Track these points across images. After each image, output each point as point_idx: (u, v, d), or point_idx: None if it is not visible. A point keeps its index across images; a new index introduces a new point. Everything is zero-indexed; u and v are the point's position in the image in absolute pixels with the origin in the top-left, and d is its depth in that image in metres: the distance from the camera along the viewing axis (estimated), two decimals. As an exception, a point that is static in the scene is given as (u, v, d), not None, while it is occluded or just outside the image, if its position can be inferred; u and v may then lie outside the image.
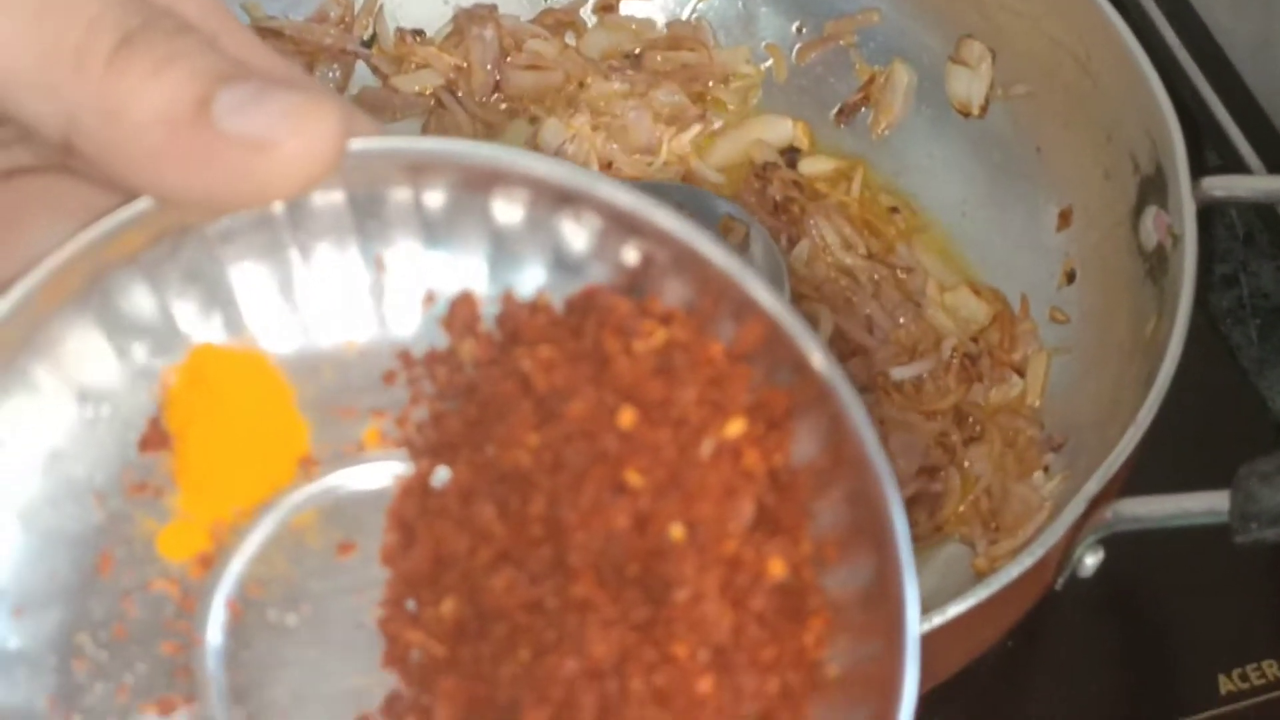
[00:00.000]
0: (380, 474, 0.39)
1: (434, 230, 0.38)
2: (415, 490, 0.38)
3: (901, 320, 0.73)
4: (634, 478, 0.35)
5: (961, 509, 0.69)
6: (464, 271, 0.39)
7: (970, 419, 0.71)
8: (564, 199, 0.37)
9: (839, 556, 0.36)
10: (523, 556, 0.36)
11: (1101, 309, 0.71)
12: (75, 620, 0.37)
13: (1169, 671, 0.68)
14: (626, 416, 0.35)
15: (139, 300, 0.38)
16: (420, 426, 0.39)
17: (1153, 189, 0.67)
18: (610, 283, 0.37)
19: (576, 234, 0.38)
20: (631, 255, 0.37)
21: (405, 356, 0.39)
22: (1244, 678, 0.66)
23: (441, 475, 0.38)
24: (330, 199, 0.38)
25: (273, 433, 0.39)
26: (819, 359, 0.35)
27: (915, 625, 0.34)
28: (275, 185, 0.33)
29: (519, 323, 0.38)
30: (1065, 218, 0.73)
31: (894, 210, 0.76)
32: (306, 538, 0.39)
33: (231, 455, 0.39)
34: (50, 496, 0.38)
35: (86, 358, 0.38)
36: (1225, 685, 0.66)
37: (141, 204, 0.35)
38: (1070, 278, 0.72)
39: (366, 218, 0.38)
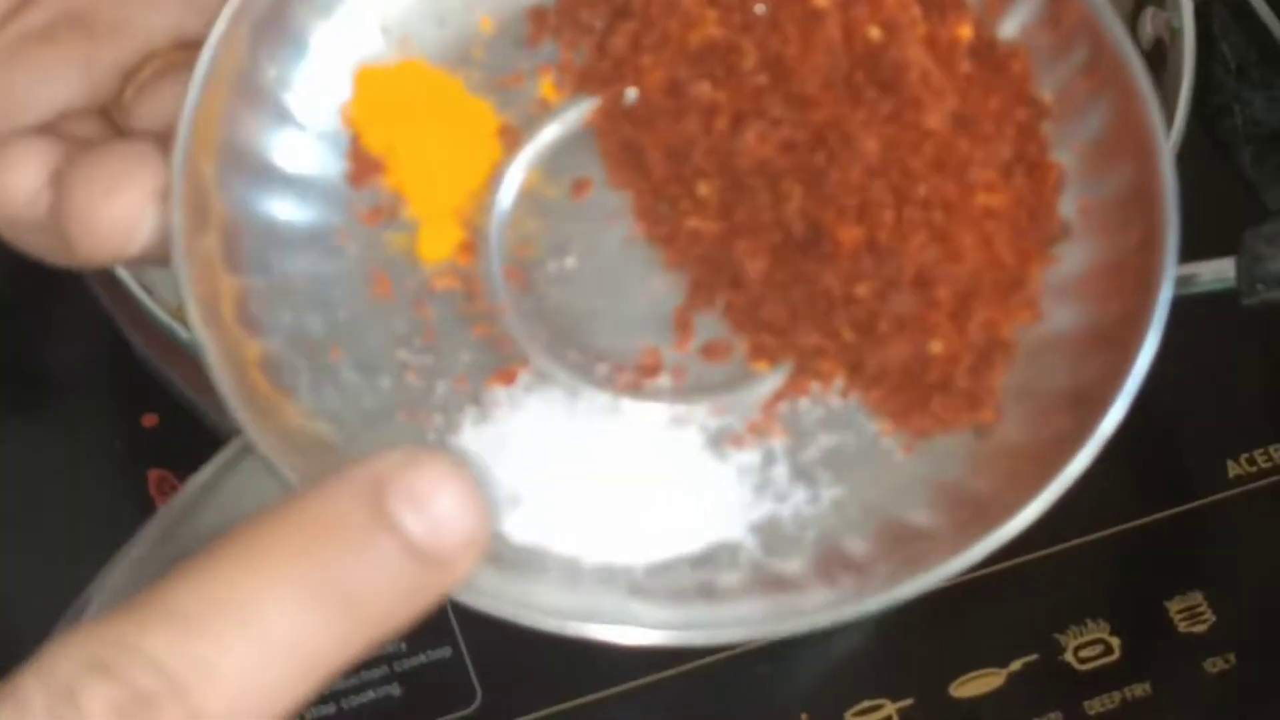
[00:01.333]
0: (575, 115, 0.41)
1: None
2: (615, 112, 0.40)
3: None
4: (820, 0, 0.38)
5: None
6: None
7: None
8: None
9: (1005, 5, 0.40)
10: (757, 109, 0.38)
11: (1103, 115, 0.72)
12: (385, 342, 0.39)
13: (1179, 458, 0.70)
14: None
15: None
16: (588, 62, 0.41)
17: (1147, -9, 0.69)
18: None
19: None
20: None
21: (537, 14, 0.41)
22: (1251, 462, 0.68)
23: (632, 93, 0.40)
24: None
25: (462, 119, 0.41)
26: None
27: (1106, 10, 0.38)
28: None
29: None
30: (1064, 30, 0.75)
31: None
32: (542, 193, 0.40)
33: (439, 152, 0.40)
34: (302, 246, 0.39)
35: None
36: (1234, 470, 0.68)
37: None
38: (1072, 88, 0.74)
39: None
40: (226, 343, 0.36)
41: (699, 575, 0.37)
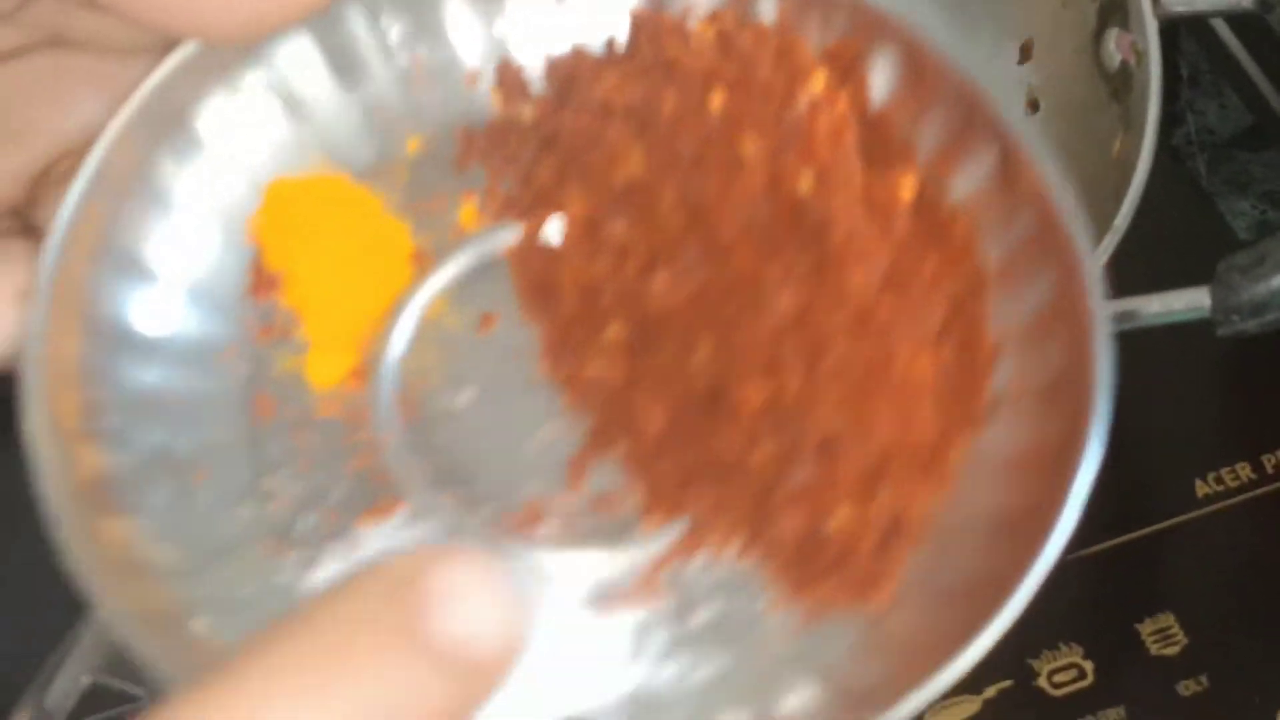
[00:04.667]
0: (492, 245, 0.39)
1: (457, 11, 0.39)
2: (533, 245, 0.38)
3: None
4: (749, 145, 0.35)
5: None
6: (497, 45, 0.39)
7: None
8: None
9: (956, 163, 0.36)
10: (671, 254, 0.36)
11: (1066, 136, 0.71)
12: (255, 468, 0.37)
13: (1148, 478, 0.69)
14: (717, 98, 0.36)
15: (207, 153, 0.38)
16: (512, 190, 0.39)
17: (1113, 11, 0.68)
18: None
19: None
20: None
21: (468, 137, 0.39)
22: (1219, 481, 0.68)
23: (552, 226, 0.38)
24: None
25: (374, 241, 0.39)
26: None
27: (1058, 181, 0.35)
28: None
29: (568, 70, 0.38)
30: (1026, 51, 0.74)
31: (856, 56, 0.77)
32: (446, 324, 0.38)
33: (343, 273, 0.39)
34: (185, 360, 0.37)
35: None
36: (1201, 489, 0.68)
37: (179, 57, 0.35)
38: (1034, 107, 0.74)
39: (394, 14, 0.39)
40: (64, 457, 0.34)
41: None
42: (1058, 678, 0.64)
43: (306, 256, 0.38)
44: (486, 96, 0.39)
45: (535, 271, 0.38)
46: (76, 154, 0.37)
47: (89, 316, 0.36)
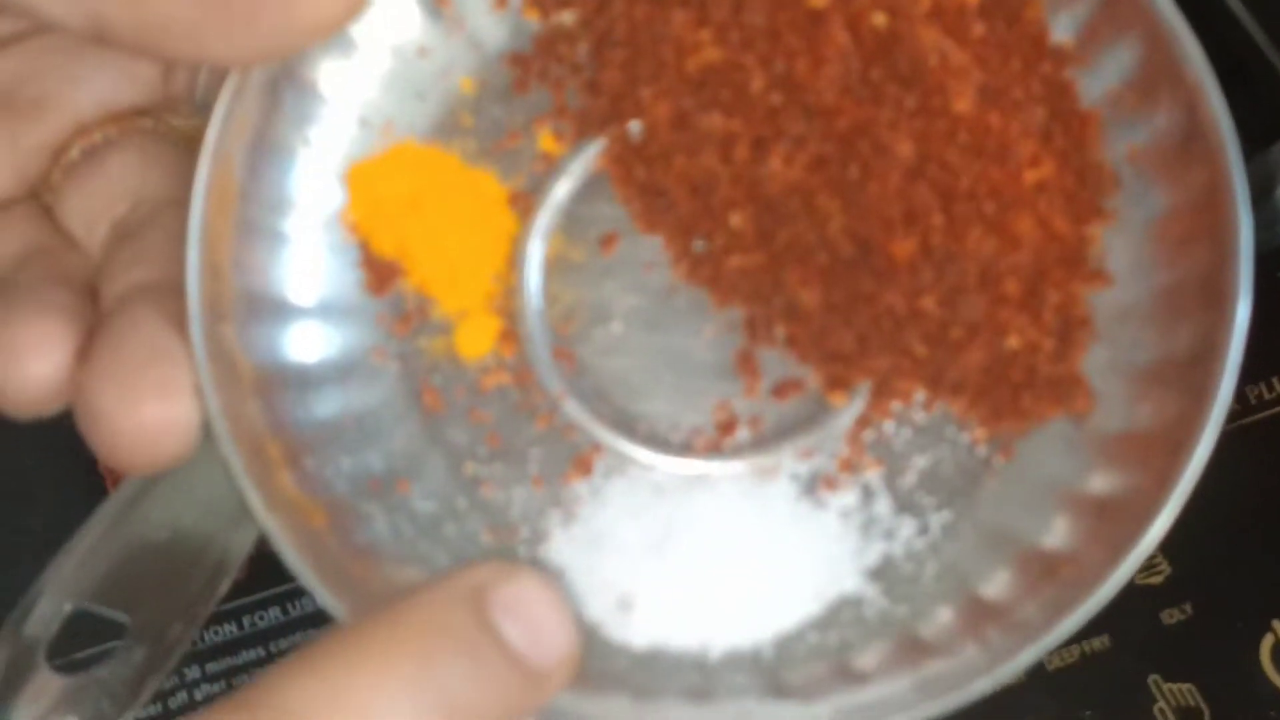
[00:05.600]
0: (583, 164, 0.38)
1: None
2: (624, 152, 0.38)
3: None
4: (819, 1, 0.35)
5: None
6: None
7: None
8: None
9: None
10: (777, 130, 0.36)
11: None
12: (451, 458, 0.37)
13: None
14: None
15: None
16: (583, 103, 0.38)
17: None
18: None
19: None
20: None
21: (518, 60, 0.38)
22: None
23: (635, 127, 0.37)
24: None
25: (467, 196, 0.38)
26: None
27: None
28: (325, 14, 0.32)
29: None
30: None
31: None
32: (569, 257, 0.38)
33: (453, 239, 0.38)
34: (339, 380, 0.37)
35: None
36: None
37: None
38: None
39: None
40: (297, 523, 0.34)
41: (829, 644, 0.35)
42: (1043, 607, 0.64)
43: (411, 234, 0.38)
44: (519, 14, 0.38)
45: (638, 180, 0.38)
46: (89, 133, 0.37)
47: (250, 375, 0.35)
